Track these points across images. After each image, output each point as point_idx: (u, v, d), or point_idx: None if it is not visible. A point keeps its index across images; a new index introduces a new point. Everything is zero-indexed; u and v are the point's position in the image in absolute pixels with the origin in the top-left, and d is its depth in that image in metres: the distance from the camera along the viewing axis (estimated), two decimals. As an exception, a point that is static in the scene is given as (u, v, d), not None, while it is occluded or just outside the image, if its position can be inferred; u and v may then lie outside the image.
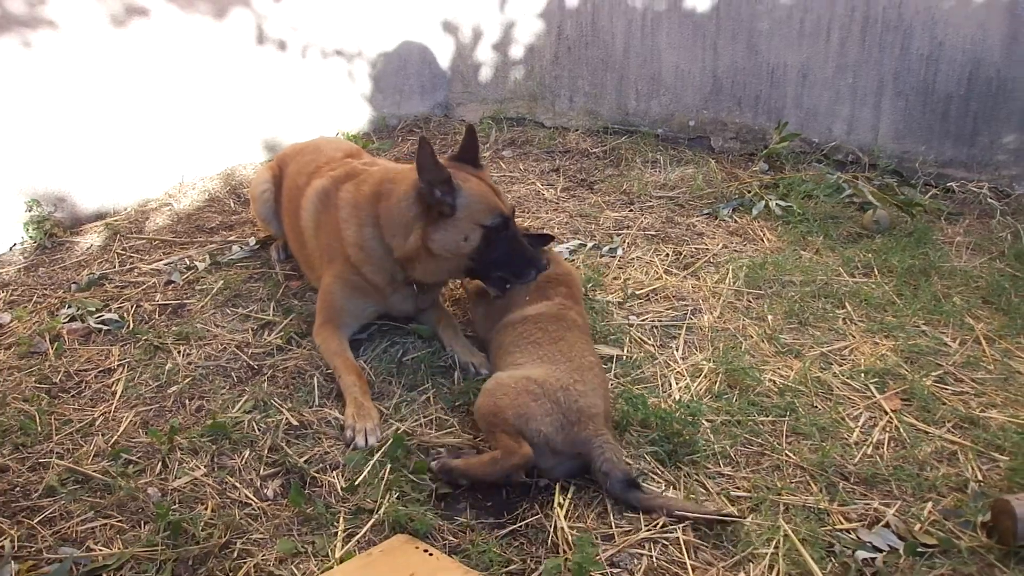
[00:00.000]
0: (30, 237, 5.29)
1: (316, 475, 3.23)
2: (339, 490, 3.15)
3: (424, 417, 3.60)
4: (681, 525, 2.93)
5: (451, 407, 3.68)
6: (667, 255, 5.01)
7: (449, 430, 3.51)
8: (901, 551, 2.85)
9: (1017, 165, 5.85)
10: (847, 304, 4.46)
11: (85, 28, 5.41)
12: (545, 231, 4.50)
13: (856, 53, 6.14)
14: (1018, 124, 5.77)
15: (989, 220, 5.52)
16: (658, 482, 3.18)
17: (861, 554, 2.83)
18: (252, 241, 5.22)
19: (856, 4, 6.02)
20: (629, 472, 3.10)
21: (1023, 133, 5.77)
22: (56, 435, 3.51)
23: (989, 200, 5.65)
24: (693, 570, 2.78)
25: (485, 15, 7.38)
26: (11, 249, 5.24)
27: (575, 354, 3.45)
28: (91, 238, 5.38)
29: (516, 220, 3.98)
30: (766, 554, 2.83)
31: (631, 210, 5.66)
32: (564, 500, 3.09)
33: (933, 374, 3.88)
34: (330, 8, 6.85)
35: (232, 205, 5.88)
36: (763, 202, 5.62)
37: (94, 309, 4.44)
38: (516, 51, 7.41)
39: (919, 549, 2.86)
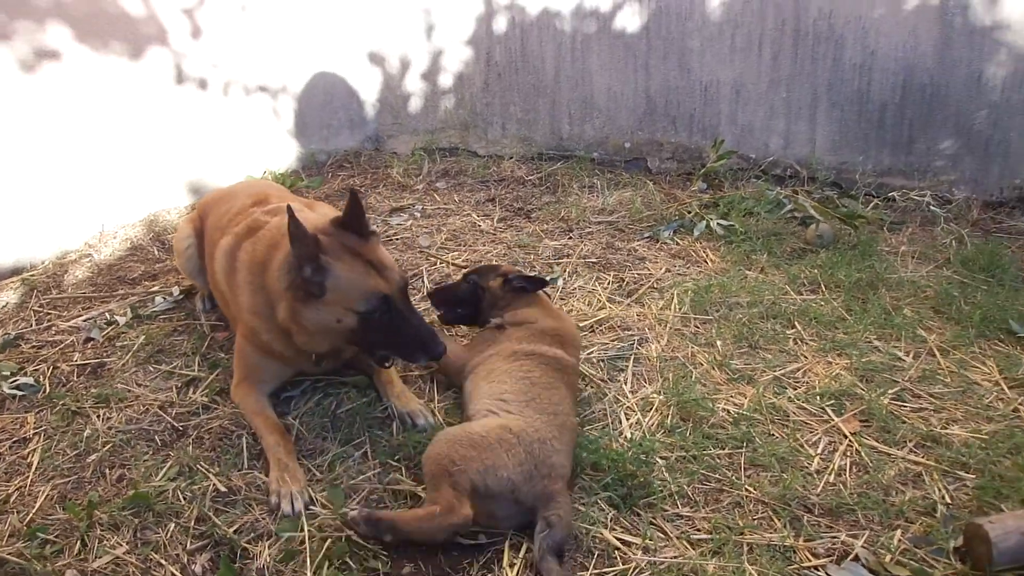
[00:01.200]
0: (-59, 298, 5.02)
1: (247, 546, 3.01)
2: (271, 562, 2.93)
3: (360, 475, 3.39)
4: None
5: (389, 460, 3.47)
6: (609, 282, 4.87)
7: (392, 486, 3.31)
8: (873, 586, 2.71)
9: (955, 170, 5.83)
10: (796, 323, 4.36)
11: (-9, 75, 5.16)
12: (541, 275, 4.34)
13: (789, 67, 6.09)
14: (954, 129, 5.75)
15: (932, 227, 5.50)
16: (615, 530, 3.01)
17: (832, 592, 2.70)
18: (176, 291, 4.97)
19: (786, 17, 5.96)
20: (566, 541, 2.91)
21: (959, 138, 5.74)
22: (-32, 516, 3.27)
23: (932, 208, 5.61)
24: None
25: (412, 44, 7.23)
26: (-79, 312, 4.96)
27: (561, 410, 3.30)
28: (6, 295, 5.11)
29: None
30: (733, 603, 2.68)
31: (570, 238, 5.52)
32: (516, 560, 2.91)
33: (890, 392, 3.80)
34: (251, 44, 6.66)
35: (156, 253, 5.64)
36: (704, 222, 5.52)
37: (8, 373, 4.18)
38: (445, 80, 7.27)
39: (892, 582, 2.73)
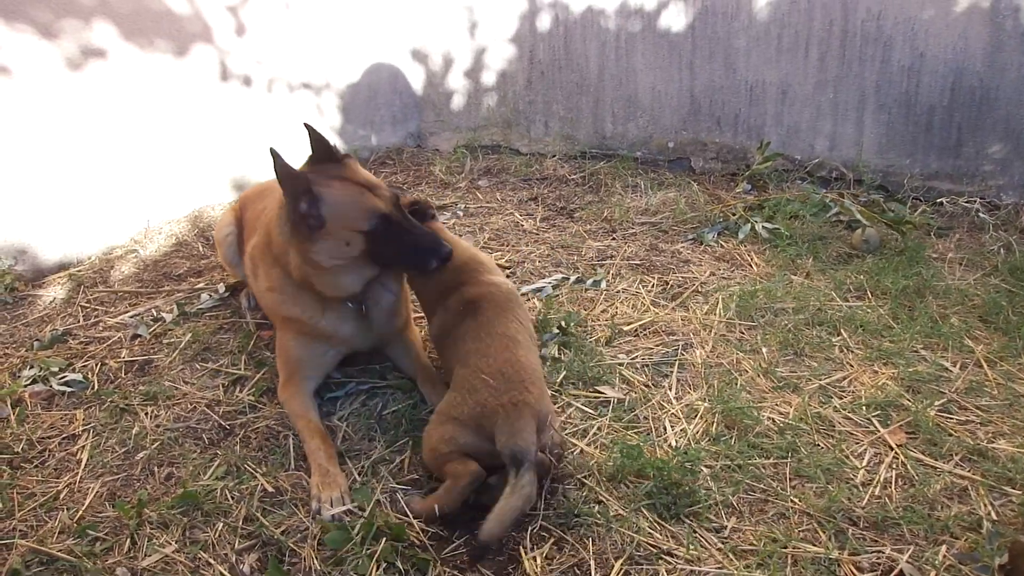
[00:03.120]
0: (-10, 293, 5.08)
1: (295, 547, 3.03)
2: (318, 563, 2.95)
3: (405, 476, 3.40)
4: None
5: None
6: (653, 285, 4.84)
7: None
8: (918, 603, 2.68)
9: (1003, 175, 5.75)
10: (842, 331, 4.31)
11: (40, 73, 5.21)
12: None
13: (836, 68, 6.02)
14: (1003, 133, 5.67)
15: (979, 234, 5.41)
16: (658, 539, 3.00)
17: (877, 610, 2.67)
18: (221, 288, 5.01)
19: (834, 18, 5.90)
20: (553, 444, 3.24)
21: (1008, 142, 5.66)
22: (19, 511, 3.30)
23: (980, 214, 5.53)
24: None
25: (455, 42, 7.24)
26: (-30, 306, 5.03)
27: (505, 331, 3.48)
28: (54, 291, 5.17)
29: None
30: (779, 617, 2.67)
31: (613, 238, 5.49)
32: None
33: (936, 403, 3.72)
34: (295, 41, 6.69)
35: (200, 249, 5.68)
36: (749, 225, 5.47)
37: (57, 369, 4.23)
38: (488, 77, 7.27)
39: (936, 600, 2.69)
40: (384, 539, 2.98)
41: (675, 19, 6.43)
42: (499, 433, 3.07)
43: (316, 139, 3.66)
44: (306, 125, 3.71)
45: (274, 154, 3.37)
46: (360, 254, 3.55)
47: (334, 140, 7.20)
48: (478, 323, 3.51)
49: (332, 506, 3.21)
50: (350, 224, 3.48)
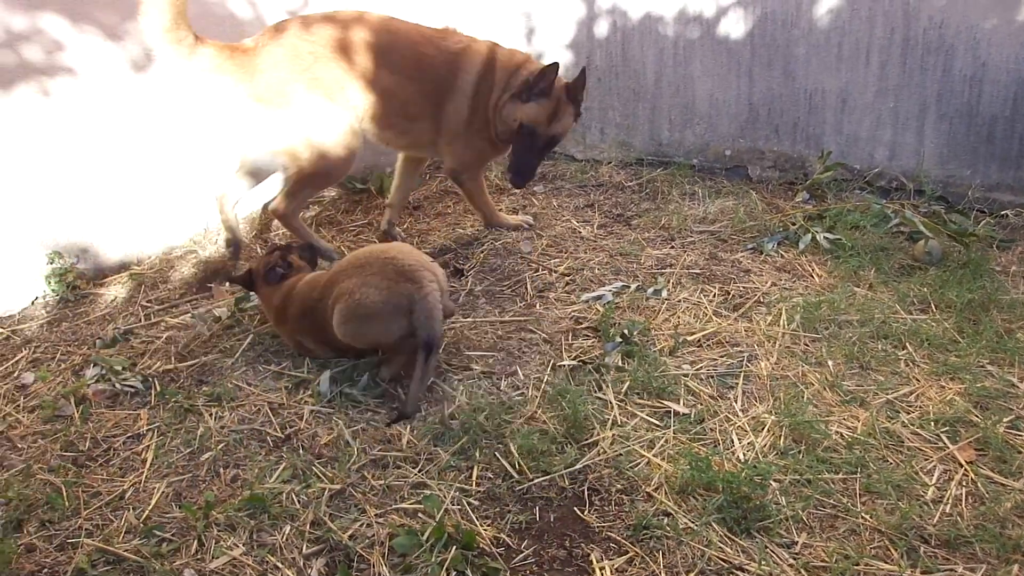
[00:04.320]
0: (52, 290, 5.12)
1: (363, 553, 3.03)
2: (387, 570, 2.95)
3: (474, 485, 3.40)
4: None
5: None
6: (715, 295, 4.80)
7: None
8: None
9: (1067, 188, 5.65)
10: (908, 344, 4.25)
11: (104, 74, 5.25)
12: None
13: (897, 76, 5.95)
14: (1066, 146, 5.58)
15: (1043, 247, 5.32)
16: (731, 553, 2.98)
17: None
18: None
19: (896, 26, 5.83)
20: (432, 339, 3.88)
21: (1071, 154, 5.58)
22: (84, 509, 3.34)
23: (1045, 227, 5.46)
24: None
25: (512, 47, 7.21)
26: (33, 303, 5.07)
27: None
28: (115, 290, 5.22)
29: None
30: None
31: (672, 247, 5.45)
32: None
33: (1005, 420, 3.67)
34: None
35: (258, 251, 5.70)
36: (809, 235, 5.41)
37: (120, 368, 4.26)
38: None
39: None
40: (454, 547, 2.98)
41: (734, 26, 6.39)
42: (416, 322, 3.85)
43: (581, 80, 5.50)
44: (584, 69, 5.73)
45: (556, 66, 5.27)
46: (510, 132, 5.41)
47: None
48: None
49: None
50: (524, 117, 5.30)
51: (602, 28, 6.87)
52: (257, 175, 5.49)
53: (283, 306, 4.34)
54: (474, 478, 3.42)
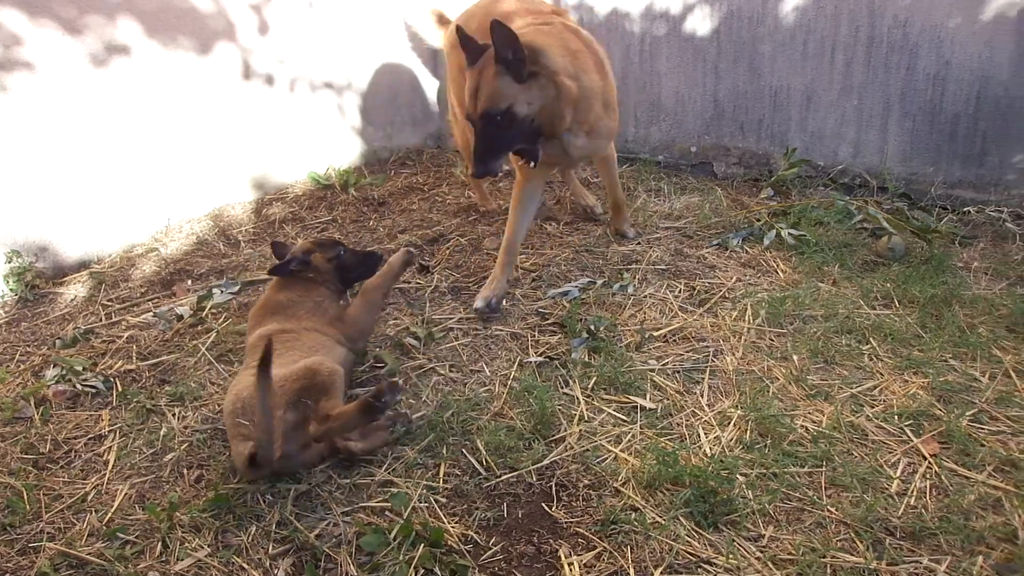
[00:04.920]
0: (11, 290, 5.06)
1: (330, 552, 3.00)
2: (355, 569, 2.92)
3: (441, 482, 3.38)
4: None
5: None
6: (680, 291, 4.81)
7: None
8: (957, 615, 2.65)
9: (1028, 185, 5.71)
10: (871, 339, 4.27)
11: (64, 69, 5.19)
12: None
13: (861, 74, 5.99)
14: (1028, 143, 5.63)
15: (1004, 243, 5.36)
16: (699, 547, 2.98)
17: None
18: (237, 287, 5.03)
19: (860, 24, 5.87)
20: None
21: (1033, 152, 5.63)
22: (46, 513, 3.29)
23: (1007, 224, 5.50)
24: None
25: (476, 43, 7.21)
26: (-9, 303, 5.01)
27: None
28: (75, 288, 5.16)
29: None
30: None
31: (639, 243, 5.45)
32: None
33: (968, 413, 3.69)
34: (318, 40, 6.67)
35: (222, 248, 5.66)
36: (774, 231, 5.43)
37: (81, 368, 4.20)
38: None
39: (976, 613, 2.66)
40: (422, 544, 2.96)
41: (700, 23, 6.41)
42: None
43: None
44: None
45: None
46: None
47: (355, 140, 7.18)
48: None
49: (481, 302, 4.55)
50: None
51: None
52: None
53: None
54: (441, 475, 3.39)
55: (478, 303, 4.59)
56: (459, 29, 4.32)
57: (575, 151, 4.68)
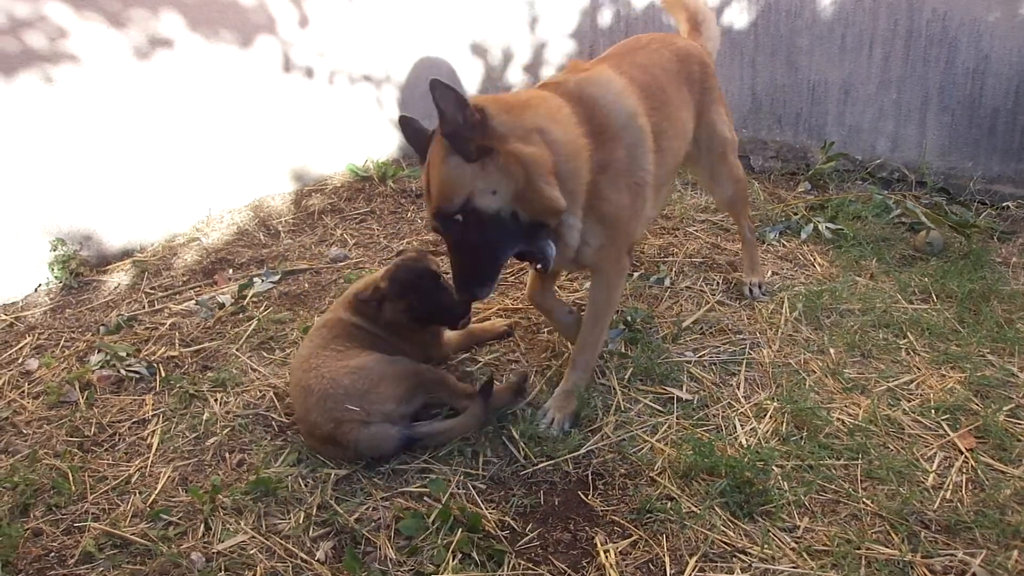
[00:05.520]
0: (56, 277, 5.15)
1: (370, 536, 3.05)
2: (393, 552, 2.97)
3: (479, 469, 3.42)
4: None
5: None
6: (717, 284, 4.82)
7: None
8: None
9: (1067, 179, 5.67)
10: (909, 334, 4.27)
11: (108, 61, 5.27)
12: None
13: (899, 68, 5.97)
14: (1067, 137, 5.59)
15: (1043, 238, 5.34)
16: (734, 536, 3.00)
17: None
18: (277, 276, 5.10)
19: (899, 18, 5.85)
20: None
21: (1072, 147, 5.59)
22: (91, 494, 3.36)
23: (1046, 218, 5.48)
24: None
25: (515, 36, 7.22)
26: (36, 290, 5.10)
27: None
28: (118, 276, 5.24)
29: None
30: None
31: (675, 236, 5.47)
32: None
33: (1005, 408, 3.68)
34: (357, 33, 6.71)
35: (262, 238, 5.73)
36: (811, 225, 5.43)
37: (124, 354, 4.28)
38: (547, 72, 7.24)
39: (1010, 604, 2.67)
40: (460, 529, 3.00)
41: (738, 16, 6.40)
42: None
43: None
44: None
45: None
46: None
47: (393, 133, 7.21)
48: None
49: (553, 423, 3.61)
50: None
51: (606, 17, 6.88)
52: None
53: None
54: (480, 463, 3.43)
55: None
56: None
57: (574, 241, 3.51)
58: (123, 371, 4.18)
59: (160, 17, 5.50)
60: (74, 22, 5.08)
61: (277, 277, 5.05)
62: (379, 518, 3.14)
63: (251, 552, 3.01)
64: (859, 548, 2.93)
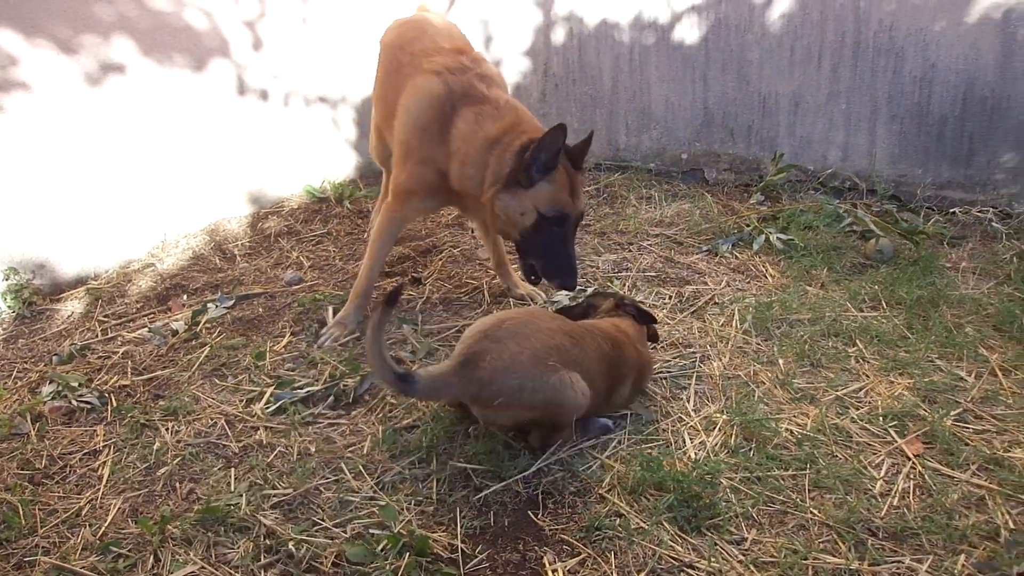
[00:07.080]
0: (8, 307, 5.11)
1: (316, 564, 3.03)
2: (344, 579, 2.97)
3: (432, 493, 3.42)
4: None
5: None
6: (670, 297, 4.85)
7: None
8: (938, 613, 2.68)
9: (1016, 184, 5.74)
10: (858, 341, 4.32)
11: (60, 88, 5.25)
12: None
13: (848, 79, 6.04)
14: (1015, 142, 5.67)
15: (992, 243, 5.41)
16: (682, 551, 3.01)
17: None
18: (231, 301, 5.08)
19: (846, 29, 5.92)
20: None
21: (1020, 151, 5.66)
22: (41, 527, 3.31)
23: (994, 223, 5.54)
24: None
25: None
26: (-11, 321, 5.06)
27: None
28: (72, 305, 5.21)
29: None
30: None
31: (629, 251, 5.50)
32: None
33: (952, 413, 3.73)
34: (311, 55, 6.72)
35: (217, 262, 5.71)
36: (763, 236, 5.49)
37: (76, 384, 4.24)
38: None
39: (957, 611, 2.69)
40: (408, 554, 2.99)
41: (689, 32, 6.46)
42: None
43: (586, 144, 4.26)
44: (591, 133, 4.39)
45: (563, 128, 3.96)
46: (523, 227, 4.09)
47: (350, 154, 7.23)
48: None
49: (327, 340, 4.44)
50: (539, 203, 4.01)
51: (559, 35, 6.93)
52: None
53: None
54: (433, 487, 3.43)
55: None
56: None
57: None
58: (75, 402, 4.14)
59: (111, 43, 5.48)
60: (24, 49, 5.05)
61: (231, 302, 5.03)
62: (327, 545, 3.13)
63: (200, 583, 3.00)
64: (806, 558, 2.94)
